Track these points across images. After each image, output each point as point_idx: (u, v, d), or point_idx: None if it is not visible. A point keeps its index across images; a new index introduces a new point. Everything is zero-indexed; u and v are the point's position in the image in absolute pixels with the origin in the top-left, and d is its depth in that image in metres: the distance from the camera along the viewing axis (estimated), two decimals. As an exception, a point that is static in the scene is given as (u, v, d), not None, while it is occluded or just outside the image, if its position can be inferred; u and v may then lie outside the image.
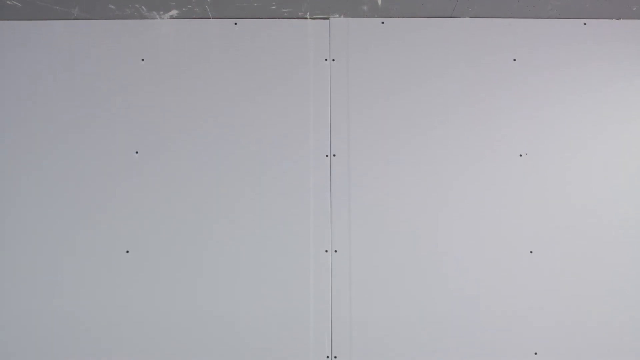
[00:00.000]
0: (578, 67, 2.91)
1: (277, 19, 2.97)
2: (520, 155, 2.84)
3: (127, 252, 2.80)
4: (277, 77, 2.93)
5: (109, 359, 2.73)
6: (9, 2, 2.87)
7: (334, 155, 2.87)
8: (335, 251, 2.79)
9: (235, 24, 2.97)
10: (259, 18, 2.97)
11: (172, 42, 2.96)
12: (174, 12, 2.95)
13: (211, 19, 2.98)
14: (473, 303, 2.74)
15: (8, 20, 2.96)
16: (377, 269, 2.77)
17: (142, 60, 2.95)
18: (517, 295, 2.74)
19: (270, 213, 2.81)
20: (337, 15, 2.96)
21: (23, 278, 2.79)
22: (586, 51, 2.92)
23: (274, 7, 2.90)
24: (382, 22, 2.96)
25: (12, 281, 2.79)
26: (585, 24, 2.94)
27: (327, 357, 2.72)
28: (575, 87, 2.90)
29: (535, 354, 2.70)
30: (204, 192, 2.84)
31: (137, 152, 2.87)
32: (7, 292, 2.78)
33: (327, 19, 2.97)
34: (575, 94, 2.90)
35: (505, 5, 2.87)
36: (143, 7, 2.91)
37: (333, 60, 2.94)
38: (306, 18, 2.97)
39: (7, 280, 2.79)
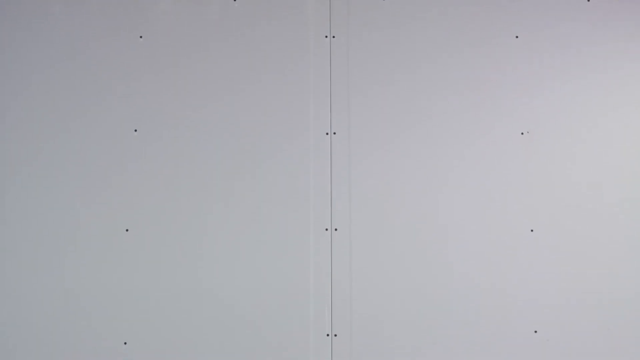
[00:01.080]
0: (581, 44, 2.89)
1: (277, -4, 2.95)
2: (522, 133, 2.82)
3: (127, 230, 2.80)
4: (277, 54, 2.91)
5: (109, 336, 2.74)
6: (5, -21, 2.84)
7: (334, 133, 2.85)
8: (336, 229, 2.79)
9: (235, 0, 2.95)
10: (259, -6, 2.95)
11: (171, 19, 2.94)
12: (172, -11, 2.93)
13: (210, -4, 2.95)
14: (474, 281, 2.73)
15: (5, -4, 2.94)
16: (378, 247, 2.77)
17: (140, 37, 2.93)
18: (518, 274, 2.73)
19: (270, 192, 2.80)
20: (338, -8, 2.94)
21: (23, 257, 2.79)
22: (589, 29, 2.89)
23: (273, -16, 2.88)
24: (383, -1, 2.94)
25: (11, 260, 2.79)
26: (589, 0, 2.91)
27: (327, 335, 2.72)
28: (578, 65, 2.88)
29: (535, 332, 2.69)
30: (203, 170, 2.83)
31: (135, 130, 2.86)
32: (6, 271, 2.79)
33: (328, -5, 2.94)
34: (578, 72, 2.87)
35: (507, -18, 2.84)
36: (141, -17, 2.89)
37: (333, 37, 2.91)
38: (306, -6, 2.94)
39: (7, 259, 2.79)
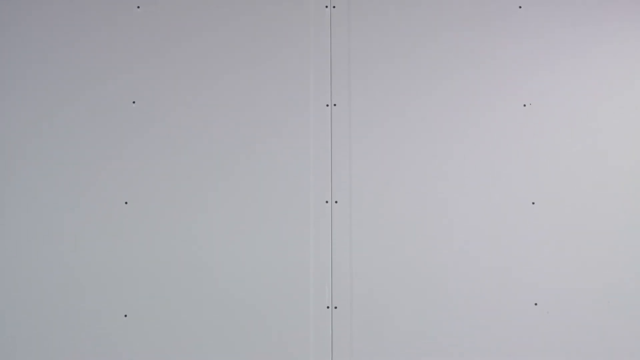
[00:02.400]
0: (586, 16, 2.85)
1: (276, -36, 2.90)
2: (524, 105, 2.80)
3: (126, 203, 2.79)
4: (276, 24, 2.87)
5: (109, 309, 2.74)
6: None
7: (335, 105, 2.82)
8: (336, 202, 2.77)
9: (234, -31, 2.91)
10: (258, -37, 2.90)
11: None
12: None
13: (209, -36, 2.91)
14: (474, 254, 2.73)
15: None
16: (378, 219, 2.76)
17: (138, 7, 2.89)
18: (519, 246, 2.73)
19: (270, 163, 2.78)
20: (338, -40, 2.89)
21: (21, 230, 2.78)
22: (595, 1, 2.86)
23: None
24: (385, -32, 2.89)
25: (10, 233, 2.79)
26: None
27: (328, 307, 2.72)
28: (582, 37, 2.84)
29: (535, 304, 2.69)
30: (203, 142, 2.81)
31: (134, 102, 2.83)
32: (5, 243, 2.78)
33: (328, -37, 2.90)
34: (582, 44, 2.84)
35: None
36: (138, -49, 2.85)
37: (334, 7, 2.87)
38: (306, -37, 2.90)
39: (5, 231, 2.78)
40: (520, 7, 2.84)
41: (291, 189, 2.77)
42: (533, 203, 2.74)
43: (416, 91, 2.82)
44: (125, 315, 2.73)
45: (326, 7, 2.87)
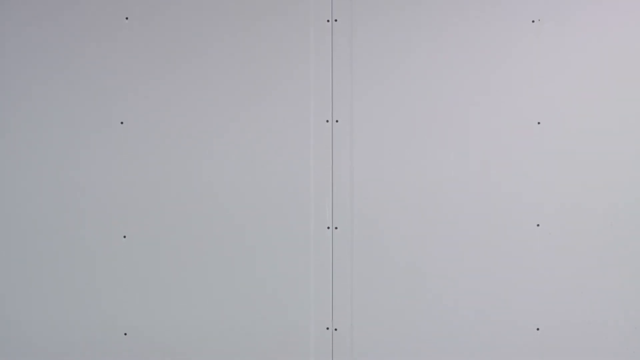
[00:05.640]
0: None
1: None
2: (539, 123, 2.70)
3: (122, 123, 2.76)
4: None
5: (108, 230, 2.74)
6: None
7: (336, 20, 2.74)
8: (337, 121, 2.72)
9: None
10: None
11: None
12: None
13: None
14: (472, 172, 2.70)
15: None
16: (379, 140, 2.71)
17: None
18: (522, 169, 2.69)
19: (268, 80, 2.74)
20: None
21: (21, 152, 2.77)
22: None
23: None
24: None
25: (9, 155, 2.77)
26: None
27: (328, 227, 2.71)
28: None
29: (538, 226, 2.68)
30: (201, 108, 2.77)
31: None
32: (4, 165, 2.78)
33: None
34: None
35: None
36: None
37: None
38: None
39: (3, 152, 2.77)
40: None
41: (291, 108, 2.73)
42: (539, 123, 2.67)
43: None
44: (125, 237, 2.73)
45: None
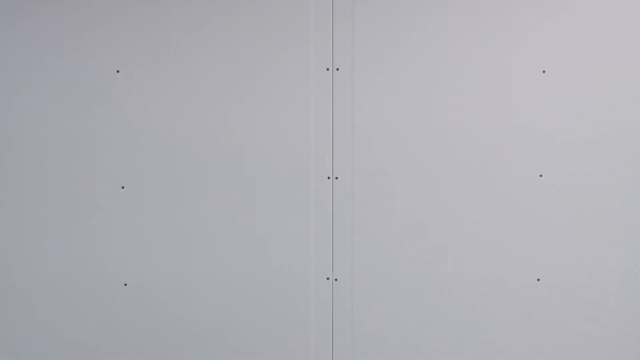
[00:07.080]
0: None
1: None
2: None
3: (118, 72, 2.71)
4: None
5: (107, 180, 2.71)
6: None
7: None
8: (337, 69, 2.67)
9: None
10: None
11: None
12: None
13: None
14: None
15: None
16: (380, 88, 2.67)
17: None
18: (526, 112, 2.66)
19: (269, 24, 2.68)
20: None
21: (21, 110, 2.72)
22: None
23: None
24: None
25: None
26: None
27: (328, 177, 2.69)
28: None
29: (540, 175, 2.66)
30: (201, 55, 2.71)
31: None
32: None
33: None
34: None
35: None
36: None
37: None
38: None
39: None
40: None
41: (290, 56, 2.67)
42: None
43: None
44: (123, 187, 2.71)
45: None
